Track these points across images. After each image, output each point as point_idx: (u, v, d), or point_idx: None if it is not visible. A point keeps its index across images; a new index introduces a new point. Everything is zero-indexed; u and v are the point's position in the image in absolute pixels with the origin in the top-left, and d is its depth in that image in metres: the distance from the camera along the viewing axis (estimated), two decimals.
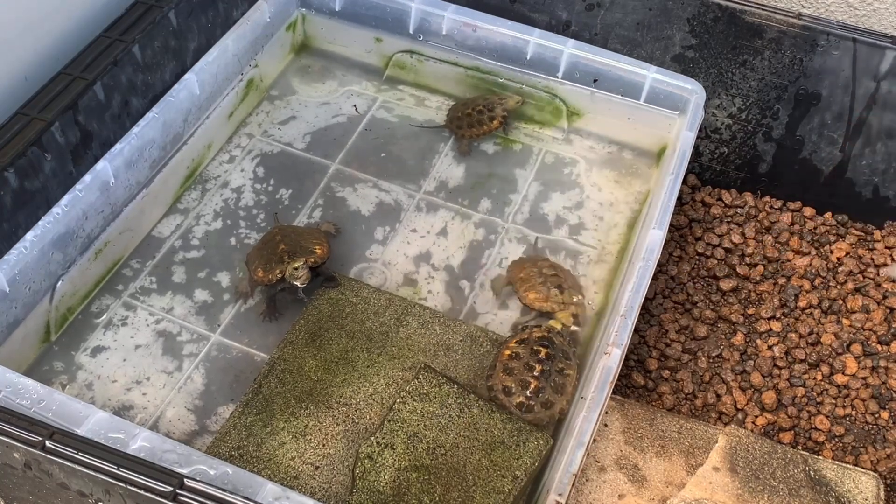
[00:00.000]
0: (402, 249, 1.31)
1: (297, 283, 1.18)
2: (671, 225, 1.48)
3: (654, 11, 1.46)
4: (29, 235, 1.11)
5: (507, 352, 1.15)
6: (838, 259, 1.48)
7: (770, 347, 1.36)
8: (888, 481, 1.24)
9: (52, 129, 1.19)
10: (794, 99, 1.47)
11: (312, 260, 1.19)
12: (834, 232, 1.52)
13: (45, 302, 1.16)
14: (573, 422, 1.06)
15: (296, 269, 1.17)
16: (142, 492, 0.86)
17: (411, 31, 1.50)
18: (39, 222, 1.12)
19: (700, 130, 1.42)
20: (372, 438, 1.07)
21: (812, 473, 1.18)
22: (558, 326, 1.19)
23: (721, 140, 1.55)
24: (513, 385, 1.12)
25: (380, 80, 1.54)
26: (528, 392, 1.11)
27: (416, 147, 1.45)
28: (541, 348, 1.14)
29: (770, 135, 1.52)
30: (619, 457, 1.19)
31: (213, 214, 1.34)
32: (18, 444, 0.89)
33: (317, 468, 1.07)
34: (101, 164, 1.19)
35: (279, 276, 1.18)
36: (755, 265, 1.46)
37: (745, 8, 1.42)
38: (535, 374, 1.12)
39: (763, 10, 1.41)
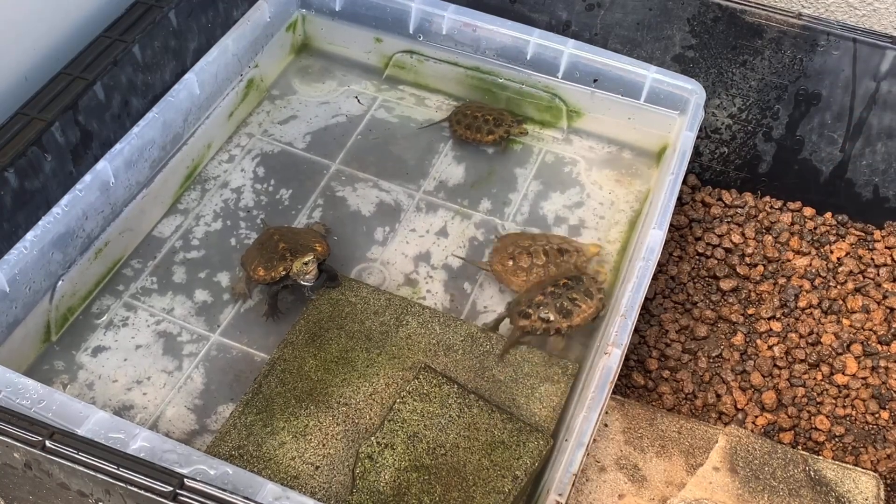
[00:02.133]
0: (401, 249, 1.31)
1: (305, 281, 1.17)
2: (671, 225, 1.48)
3: (654, 11, 1.46)
4: (29, 235, 1.11)
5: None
6: (838, 259, 1.48)
7: (770, 347, 1.36)
8: (888, 481, 1.24)
9: (52, 129, 1.19)
10: (794, 99, 1.47)
11: (317, 255, 1.19)
12: (834, 232, 1.52)
13: (46, 302, 1.16)
14: (573, 422, 1.06)
15: (305, 264, 1.17)
16: (142, 492, 0.86)
17: (411, 32, 1.50)
18: (39, 222, 1.12)
19: (700, 130, 1.42)
20: (372, 438, 1.07)
21: (812, 473, 1.18)
22: (589, 269, 1.29)
23: (721, 140, 1.55)
24: (522, 298, 1.21)
25: (380, 80, 1.54)
26: (532, 302, 1.19)
27: (416, 147, 1.45)
28: (564, 279, 1.22)
29: (770, 135, 1.52)
30: (619, 457, 1.19)
31: (213, 214, 1.34)
32: (18, 444, 0.89)
33: (317, 468, 1.07)
34: (101, 164, 1.19)
35: (282, 273, 1.18)
36: (755, 265, 1.46)
37: (745, 8, 1.42)
38: (545, 292, 1.19)
39: (763, 10, 1.41)
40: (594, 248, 1.30)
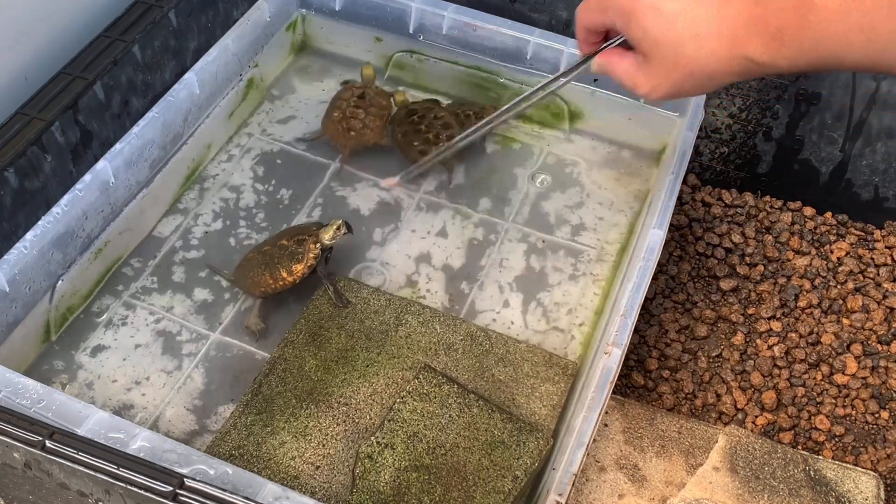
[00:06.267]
0: (401, 249, 1.31)
1: (333, 239, 1.20)
2: (671, 225, 1.48)
3: None
4: (29, 235, 1.11)
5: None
6: (838, 259, 1.48)
7: (770, 347, 1.36)
8: (888, 481, 1.24)
9: (52, 129, 1.19)
10: (794, 99, 1.47)
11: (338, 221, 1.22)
12: (834, 232, 1.52)
13: (45, 301, 1.16)
14: (573, 422, 1.06)
15: (338, 228, 1.20)
16: (142, 492, 0.86)
17: (411, 31, 1.50)
18: (39, 222, 1.12)
19: (700, 130, 1.42)
20: (372, 438, 1.07)
21: (812, 473, 1.18)
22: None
23: (721, 140, 1.55)
24: (409, 140, 1.37)
25: (380, 81, 1.54)
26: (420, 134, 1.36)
27: None
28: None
29: (770, 135, 1.52)
30: (619, 457, 1.19)
31: (213, 214, 1.34)
32: (18, 444, 0.89)
33: (317, 468, 1.07)
34: (101, 164, 1.19)
35: (317, 251, 1.19)
36: (755, 265, 1.46)
37: None
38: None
39: None
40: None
